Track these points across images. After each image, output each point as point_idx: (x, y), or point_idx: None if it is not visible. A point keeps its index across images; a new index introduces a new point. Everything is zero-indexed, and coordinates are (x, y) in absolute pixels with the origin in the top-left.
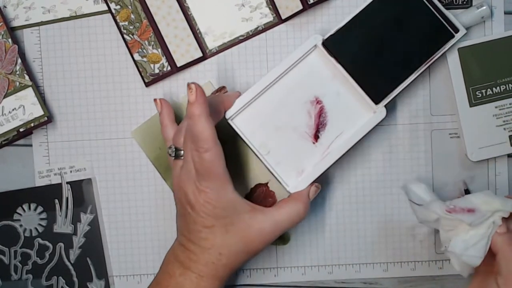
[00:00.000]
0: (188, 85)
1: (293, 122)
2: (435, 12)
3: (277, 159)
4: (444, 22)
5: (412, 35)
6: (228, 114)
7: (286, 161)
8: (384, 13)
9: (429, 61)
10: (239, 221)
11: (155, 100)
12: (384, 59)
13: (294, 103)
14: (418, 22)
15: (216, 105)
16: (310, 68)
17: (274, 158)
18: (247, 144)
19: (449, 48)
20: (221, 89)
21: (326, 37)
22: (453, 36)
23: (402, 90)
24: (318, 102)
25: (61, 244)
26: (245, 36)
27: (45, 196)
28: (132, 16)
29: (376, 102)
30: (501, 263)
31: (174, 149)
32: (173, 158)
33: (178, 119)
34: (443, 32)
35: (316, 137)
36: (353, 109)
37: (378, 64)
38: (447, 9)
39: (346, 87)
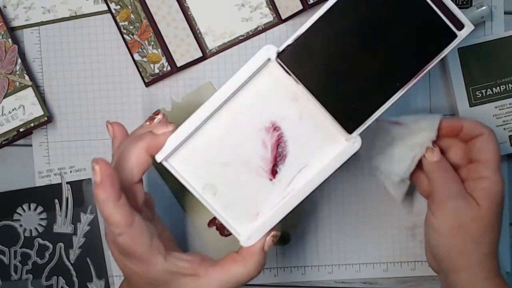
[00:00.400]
0: (92, 164)
1: (245, 156)
2: (432, 5)
3: (225, 202)
4: (444, 18)
5: (398, 38)
6: (159, 157)
7: (237, 204)
8: (359, 12)
9: (421, 72)
10: (179, 286)
11: (107, 124)
12: (359, 73)
13: (245, 132)
14: (406, 20)
15: (138, 155)
16: (263, 88)
17: (222, 201)
18: (187, 188)
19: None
20: (153, 116)
21: (282, 48)
22: (455, 36)
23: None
24: (275, 128)
25: (61, 244)
26: (245, 36)
27: (45, 196)
28: (132, 16)
29: (348, 130)
30: (434, 190)
31: None
32: None
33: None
34: (441, 31)
35: (274, 172)
36: (319, 137)
37: (352, 80)
38: None
39: (309, 110)
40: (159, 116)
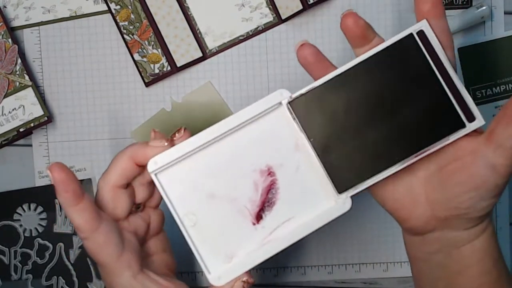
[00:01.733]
0: (47, 169)
1: (233, 193)
2: (447, 90)
3: (203, 235)
4: (456, 106)
5: (406, 114)
6: (151, 167)
7: (214, 240)
8: (374, 79)
9: (422, 153)
10: None
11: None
12: (362, 138)
13: (240, 169)
14: (418, 98)
15: (122, 160)
16: (268, 129)
17: (200, 234)
18: (169, 208)
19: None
20: (178, 130)
21: (294, 95)
22: (463, 126)
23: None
24: (270, 173)
25: (61, 244)
26: (245, 36)
27: (45, 196)
28: (132, 16)
29: (339, 190)
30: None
31: None
32: None
33: (177, 121)
34: (450, 118)
35: (259, 217)
36: (311, 192)
37: (353, 143)
38: (446, 9)
39: (307, 163)
40: (180, 133)
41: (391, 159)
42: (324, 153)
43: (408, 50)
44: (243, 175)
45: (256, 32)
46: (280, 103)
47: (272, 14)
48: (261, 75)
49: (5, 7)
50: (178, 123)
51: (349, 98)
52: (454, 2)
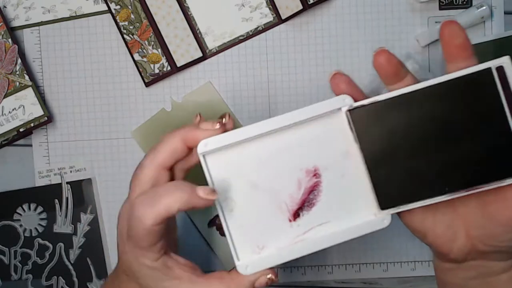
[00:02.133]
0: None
1: (276, 187)
2: None
3: (239, 222)
4: None
5: (467, 146)
6: (201, 149)
7: (249, 229)
8: (440, 106)
9: (475, 189)
10: (155, 281)
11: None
12: (415, 161)
13: (286, 165)
14: (482, 135)
15: (173, 142)
16: (323, 131)
17: (236, 220)
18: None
19: None
20: (222, 117)
21: (355, 105)
22: None
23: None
24: (316, 175)
25: (61, 244)
26: (245, 36)
27: (45, 196)
28: (132, 16)
29: (382, 207)
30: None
31: None
32: None
33: (177, 121)
34: (509, 163)
35: (296, 215)
36: (352, 201)
37: (405, 164)
38: (446, 9)
39: (355, 173)
40: (226, 119)
41: (440, 188)
42: (374, 167)
43: (483, 83)
44: (289, 171)
45: (256, 32)
46: (340, 109)
47: (272, 14)
48: (261, 75)
49: (5, 7)
50: (178, 123)
51: (410, 118)
52: (454, 2)
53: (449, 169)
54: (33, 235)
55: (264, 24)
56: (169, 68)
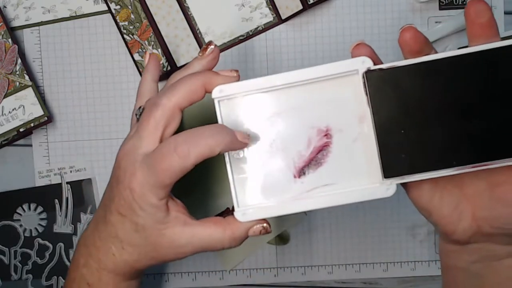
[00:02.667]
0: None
1: (285, 142)
2: None
3: (244, 171)
4: None
5: (481, 121)
6: (216, 93)
7: (253, 179)
8: (461, 77)
9: (482, 165)
10: (152, 228)
11: (145, 52)
12: (426, 131)
13: (299, 121)
14: (502, 110)
15: (194, 85)
16: (339, 92)
17: (241, 169)
18: None
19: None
20: (206, 47)
21: (373, 67)
22: None
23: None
24: (327, 135)
25: (61, 244)
26: (245, 36)
27: (45, 196)
28: (132, 16)
29: (386, 175)
30: None
31: (142, 110)
32: (137, 120)
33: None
34: None
35: (301, 172)
36: (360, 166)
37: (415, 133)
38: (446, 9)
39: (366, 138)
40: (211, 47)
41: (448, 161)
42: (383, 133)
43: (505, 60)
44: (301, 127)
45: (256, 32)
46: (357, 71)
47: (272, 14)
48: (261, 75)
49: (5, 7)
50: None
51: (427, 88)
52: (454, 2)
53: (459, 143)
54: (33, 235)
55: (264, 24)
56: (169, 68)
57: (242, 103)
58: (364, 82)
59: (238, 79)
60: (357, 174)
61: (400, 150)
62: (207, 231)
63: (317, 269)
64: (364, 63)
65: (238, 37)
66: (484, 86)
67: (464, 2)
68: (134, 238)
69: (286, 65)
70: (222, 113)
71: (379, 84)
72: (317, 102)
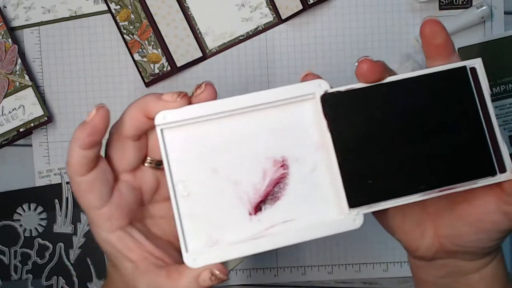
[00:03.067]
0: (96, 106)
1: (238, 175)
2: (486, 134)
3: (192, 209)
4: (492, 153)
5: (441, 144)
6: (159, 120)
7: (203, 219)
8: (417, 100)
9: (448, 189)
10: (115, 265)
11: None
12: (389, 157)
13: (252, 151)
14: (456, 133)
15: (132, 112)
16: (294, 118)
17: (189, 207)
18: (165, 169)
19: None
20: (197, 87)
21: (330, 91)
22: (494, 173)
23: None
24: (284, 166)
25: (61, 244)
26: (245, 36)
27: (45, 196)
28: (132, 16)
29: (351, 205)
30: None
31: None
32: None
33: None
34: (483, 164)
35: (257, 209)
36: (322, 198)
37: (378, 159)
38: (446, 9)
39: (326, 166)
40: (200, 89)
41: (414, 187)
42: (345, 160)
43: (458, 82)
44: (254, 159)
45: (256, 32)
46: (314, 94)
47: (272, 14)
48: (261, 75)
49: (5, 7)
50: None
51: (386, 110)
52: (454, 2)
53: (425, 166)
54: (33, 235)
55: (264, 24)
56: (169, 68)
57: (190, 131)
58: (323, 107)
59: (186, 101)
60: (319, 207)
61: (364, 177)
62: (160, 281)
63: (317, 269)
64: (321, 86)
65: (238, 37)
66: (440, 108)
67: (465, 2)
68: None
69: (286, 65)
70: (166, 143)
71: (338, 108)
72: (271, 129)
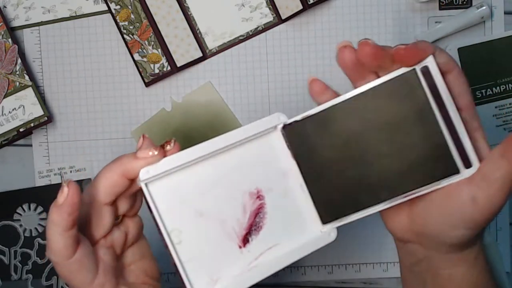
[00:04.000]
0: (64, 183)
1: (222, 213)
2: (445, 133)
3: (189, 254)
4: (454, 151)
5: (400, 152)
6: (144, 175)
7: (200, 261)
8: (371, 113)
9: (411, 194)
10: None
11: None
12: (352, 172)
13: (229, 189)
14: (414, 139)
15: (111, 176)
16: (261, 152)
17: (186, 252)
18: (156, 223)
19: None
20: (167, 142)
21: (289, 121)
22: (457, 172)
23: None
24: (259, 197)
25: None
26: (245, 36)
27: (45, 196)
28: (132, 16)
29: (324, 221)
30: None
31: None
32: None
33: (177, 121)
34: (443, 164)
35: (245, 241)
36: (297, 219)
37: (342, 175)
38: (446, 9)
39: (297, 190)
40: (171, 145)
41: (378, 196)
42: (313, 182)
43: (409, 86)
44: (233, 195)
45: (256, 32)
46: (275, 127)
47: (272, 14)
48: (261, 75)
49: (5, 7)
50: (178, 123)
51: (343, 129)
52: (454, 2)
53: (386, 176)
54: (33, 235)
55: (264, 24)
56: (169, 68)
57: (171, 180)
58: (284, 137)
59: (162, 154)
60: (297, 228)
61: (330, 195)
62: None
63: (317, 269)
64: (280, 118)
65: (238, 37)
66: (395, 116)
67: (464, 2)
68: None
69: (286, 65)
70: (153, 196)
71: (298, 136)
72: (242, 165)
